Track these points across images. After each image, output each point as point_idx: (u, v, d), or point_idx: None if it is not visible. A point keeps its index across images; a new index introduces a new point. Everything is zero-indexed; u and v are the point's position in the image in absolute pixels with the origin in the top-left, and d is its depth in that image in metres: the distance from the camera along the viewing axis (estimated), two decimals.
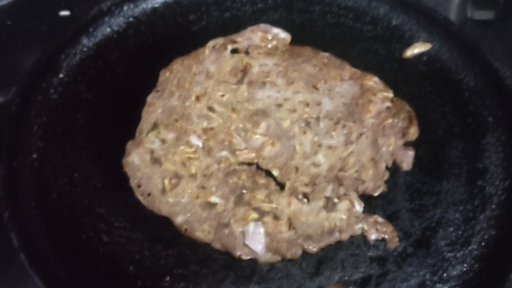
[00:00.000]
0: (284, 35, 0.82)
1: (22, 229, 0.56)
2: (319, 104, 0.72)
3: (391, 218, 0.63)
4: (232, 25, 0.84)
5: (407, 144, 0.69)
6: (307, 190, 0.62)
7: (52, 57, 0.74)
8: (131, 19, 0.84)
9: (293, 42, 0.82)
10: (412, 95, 0.75)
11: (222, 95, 0.72)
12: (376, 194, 0.63)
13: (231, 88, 0.72)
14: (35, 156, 0.65)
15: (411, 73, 0.79)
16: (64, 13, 1.05)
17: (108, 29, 0.82)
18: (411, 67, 0.80)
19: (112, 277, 0.57)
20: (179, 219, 0.60)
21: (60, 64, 0.75)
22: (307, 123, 0.69)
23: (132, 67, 0.78)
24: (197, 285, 0.57)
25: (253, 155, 0.65)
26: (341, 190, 0.63)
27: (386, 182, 0.65)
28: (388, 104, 0.72)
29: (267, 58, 0.77)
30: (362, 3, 0.87)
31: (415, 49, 0.81)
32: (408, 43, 0.82)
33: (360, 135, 0.68)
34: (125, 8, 0.83)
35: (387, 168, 0.66)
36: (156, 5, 0.86)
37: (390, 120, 0.70)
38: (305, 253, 0.59)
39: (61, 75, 0.74)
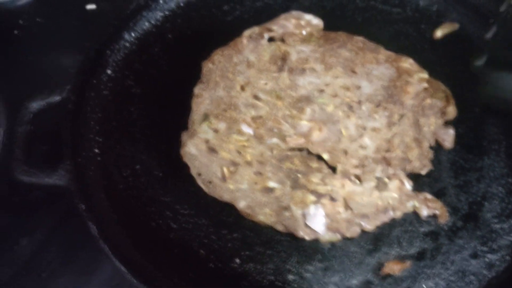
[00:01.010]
0: (316, 21, 0.84)
1: (97, 219, 0.59)
2: (358, 88, 0.74)
3: (438, 194, 0.66)
4: (264, 14, 0.86)
5: (447, 123, 0.72)
6: (357, 171, 0.65)
7: (99, 53, 0.76)
8: (167, 13, 0.86)
9: (326, 27, 0.84)
10: (446, 75, 0.78)
11: (265, 83, 0.74)
12: (423, 172, 0.67)
13: (273, 76, 0.75)
14: (96, 151, 0.68)
15: (443, 53, 0.81)
16: (91, 6, 1.07)
17: (147, 23, 0.83)
18: (443, 47, 0.82)
19: (185, 260, 0.60)
20: (241, 204, 0.63)
21: (106, 60, 0.77)
22: (350, 107, 0.71)
23: (174, 59, 0.80)
24: (264, 265, 0.60)
25: (302, 140, 0.68)
26: (390, 170, 0.66)
27: (431, 161, 0.69)
28: (424, 84, 0.75)
29: (303, 45, 0.79)
30: None
31: (445, 29, 0.84)
32: (437, 24, 0.84)
33: (402, 116, 0.71)
34: (160, 1, 0.85)
35: (430, 147, 0.69)
36: None
37: (428, 101, 0.73)
38: (362, 232, 0.63)
39: (109, 71, 0.77)
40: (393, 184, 0.65)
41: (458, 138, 0.71)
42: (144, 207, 0.64)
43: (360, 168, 0.66)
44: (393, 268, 0.60)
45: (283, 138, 0.68)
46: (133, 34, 0.81)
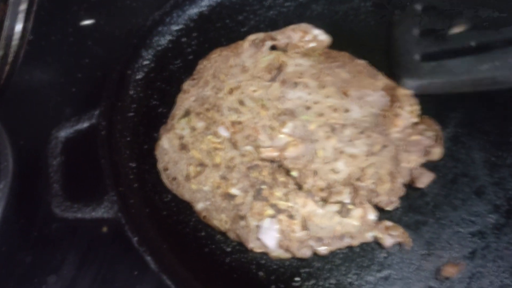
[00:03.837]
0: (323, 37, 0.82)
1: (152, 251, 0.57)
2: (347, 111, 0.71)
3: (478, 193, 0.67)
4: (280, 22, 0.85)
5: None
6: (323, 194, 0.64)
7: (121, 74, 0.73)
8: (181, 26, 0.83)
9: (339, 32, 0.83)
10: None
11: (254, 91, 0.72)
12: (388, 208, 0.65)
13: (264, 85, 0.73)
14: (131, 177, 0.66)
15: None
16: (87, 22, 1.02)
17: (162, 39, 0.81)
18: None
19: (246, 284, 0.59)
20: (199, 206, 0.63)
21: (128, 81, 0.74)
22: (332, 129, 0.69)
23: None
24: (326, 280, 0.60)
25: (276, 153, 0.66)
26: (356, 199, 0.64)
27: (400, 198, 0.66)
28: (414, 119, 0.72)
29: (303, 59, 0.77)
30: None
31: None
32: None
33: (383, 147, 0.68)
34: (174, 15, 0.83)
35: (404, 185, 0.66)
36: (202, 9, 0.85)
37: (415, 137, 0.70)
38: (415, 235, 0.63)
39: (131, 92, 0.74)
40: (357, 212, 0.63)
41: (486, 135, 0.73)
42: (193, 233, 0.62)
43: (326, 191, 0.64)
44: (450, 271, 0.61)
45: (257, 147, 0.67)
46: (150, 51, 0.79)
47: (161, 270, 0.55)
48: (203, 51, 0.80)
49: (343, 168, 0.66)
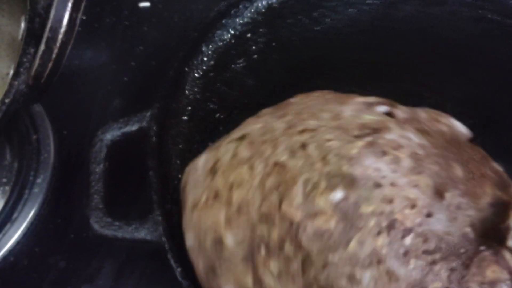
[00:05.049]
0: (463, 130, 0.59)
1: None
2: (429, 215, 0.48)
3: None
4: (360, 23, 0.74)
5: None
6: None
7: (178, 72, 0.65)
8: (246, 20, 0.74)
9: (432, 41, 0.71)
10: None
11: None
12: None
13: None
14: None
15: None
16: (144, 4, 0.95)
17: (226, 33, 0.72)
18: None
19: None
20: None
21: (184, 80, 0.66)
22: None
23: (261, 79, 0.69)
24: None
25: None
26: None
27: None
28: None
29: (417, 135, 0.55)
30: None
31: None
32: None
33: None
34: (240, 6, 0.73)
35: None
36: (272, 1, 0.76)
37: None
38: None
39: (187, 92, 0.66)
40: None
41: None
42: None
43: None
44: None
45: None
46: (211, 47, 0.70)
47: None
48: (270, 51, 0.71)
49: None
